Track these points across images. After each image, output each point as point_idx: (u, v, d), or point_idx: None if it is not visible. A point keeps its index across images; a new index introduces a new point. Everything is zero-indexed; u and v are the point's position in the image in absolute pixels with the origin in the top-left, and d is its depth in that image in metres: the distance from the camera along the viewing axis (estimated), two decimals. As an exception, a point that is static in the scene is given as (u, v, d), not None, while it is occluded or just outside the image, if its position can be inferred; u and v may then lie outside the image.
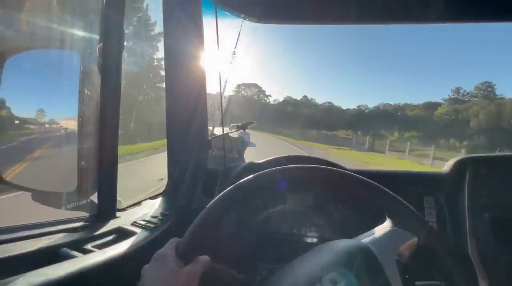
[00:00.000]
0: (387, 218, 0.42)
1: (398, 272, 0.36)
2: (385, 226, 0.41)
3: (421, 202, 0.72)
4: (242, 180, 0.41)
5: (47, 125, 0.74)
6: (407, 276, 0.39)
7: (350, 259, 0.36)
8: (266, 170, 0.42)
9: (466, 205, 0.67)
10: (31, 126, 0.74)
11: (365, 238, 0.40)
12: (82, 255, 0.45)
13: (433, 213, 0.71)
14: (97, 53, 0.73)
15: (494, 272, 0.62)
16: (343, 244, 0.40)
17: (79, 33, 0.74)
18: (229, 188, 0.40)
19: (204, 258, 0.40)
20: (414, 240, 0.38)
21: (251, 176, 0.42)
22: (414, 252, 0.39)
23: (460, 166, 0.72)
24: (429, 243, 0.38)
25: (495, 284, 0.61)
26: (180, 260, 0.37)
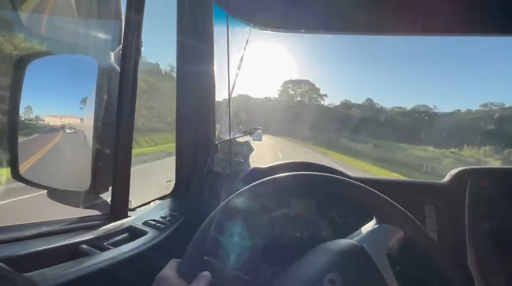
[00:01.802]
0: (373, 215, 0.44)
1: (390, 265, 0.38)
2: (372, 224, 0.44)
3: (422, 211, 0.74)
4: (234, 195, 0.45)
5: (62, 125, 0.77)
6: (397, 268, 0.41)
7: (346, 258, 0.39)
8: (257, 182, 0.45)
9: (466, 215, 0.69)
10: (44, 124, 0.77)
11: (357, 237, 0.43)
12: (100, 252, 0.48)
13: (434, 222, 0.72)
14: (113, 58, 0.77)
15: (492, 282, 0.64)
16: (337, 244, 0.42)
17: (97, 38, 0.78)
18: (220, 206, 0.45)
19: (206, 274, 0.41)
20: (401, 233, 0.41)
21: (242, 190, 0.45)
22: (402, 244, 0.41)
23: (461, 177, 0.74)
24: (414, 234, 0.41)
25: None
26: (182, 280, 0.39)
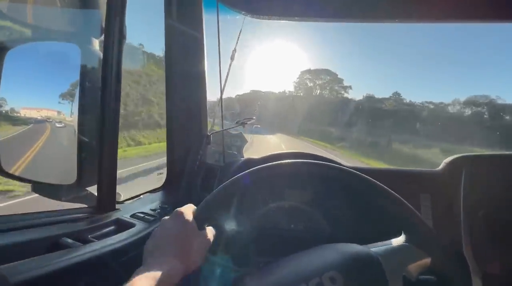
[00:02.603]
0: (403, 232, 0.40)
1: None
2: (400, 240, 0.40)
3: (418, 199, 0.73)
4: (258, 167, 0.43)
5: (44, 117, 0.75)
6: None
7: (355, 263, 0.36)
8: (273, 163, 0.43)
9: (462, 202, 0.68)
10: (26, 117, 0.74)
11: (377, 248, 0.39)
12: (82, 244, 0.45)
13: (429, 211, 0.71)
14: (98, 46, 0.74)
15: (488, 270, 0.63)
16: (351, 248, 0.39)
17: (79, 25, 0.74)
18: (242, 173, 0.43)
19: (212, 229, 0.43)
20: (427, 260, 0.37)
21: (269, 164, 0.43)
22: (423, 272, 0.38)
23: (456, 164, 0.73)
24: (442, 267, 0.38)
25: (489, 281, 0.62)
26: (195, 223, 0.40)
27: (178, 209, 0.41)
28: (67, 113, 0.70)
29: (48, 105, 0.72)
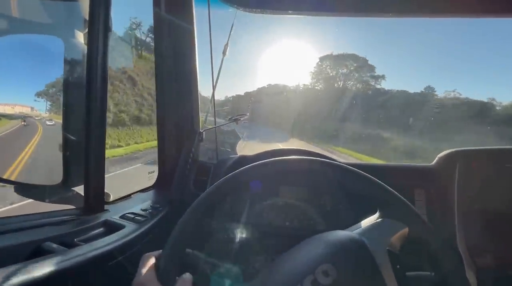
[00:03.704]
0: (378, 209, 0.41)
1: (390, 263, 0.36)
2: (375, 217, 0.41)
3: (413, 194, 0.73)
4: (213, 185, 0.42)
5: (28, 116, 0.71)
6: (398, 266, 0.39)
7: (343, 251, 0.36)
8: (238, 170, 0.42)
9: (456, 197, 0.68)
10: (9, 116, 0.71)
11: (356, 230, 0.40)
12: (67, 249, 0.43)
13: (424, 205, 0.71)
14: (83, 39, 0.70)
15: (481, 263, 0.64)
16: (335, 235, 0.39)
17: (62, 17, 0.70)
18: (200, 196, 0.41)
19: (187, 278, 0.37)
20: (405, 230, 0.38)
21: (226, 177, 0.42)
22: (405, 242, 0.39)
23: (450, 159, 0.73)
24: (420, 234, 0.38)
25: (482, 275, 0.62)
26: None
27: (136, 279, 0.35)
28: (43, 110, 0.67)
29: (26, 101, 0.68)
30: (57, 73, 0.67)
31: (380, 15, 0.97)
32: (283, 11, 0.99)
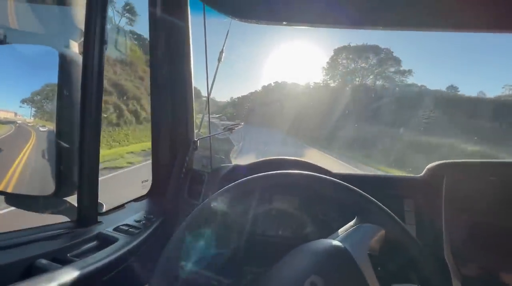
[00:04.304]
0: (356, 215, 0.43)
1: (371, 266, 0.38)
2: (353, 223, 0.43)
3: (402, 205, 0.75)
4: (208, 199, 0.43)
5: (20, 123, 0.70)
6: (379, 268, 0.41)
7: (328, 260, 0.38)
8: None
9: (443, 208, 0.70)
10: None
11: (339, 237, 0.42)
12: (61, 266, 0.43)
13: (413, 216, 0.73)
14: (78, 50, 0.70)
15: (467, 272, 0.66)
16: (319, 244, 0.41)
17: (57, 27, 0.70)
18: (191, 213, 0.43)
19: None
20: (382, 232, 0.40)
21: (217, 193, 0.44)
22: (383, 244, 0.41)
23: (438, 170, 0.75)
24: (396, 235, 0.41)
25: (468, 284, 0.65)
26: None
27: None
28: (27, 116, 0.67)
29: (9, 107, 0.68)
30: (46, 81, 0.67)
31: (373, 28, 0.99)
32: (277, 22, 1.00)
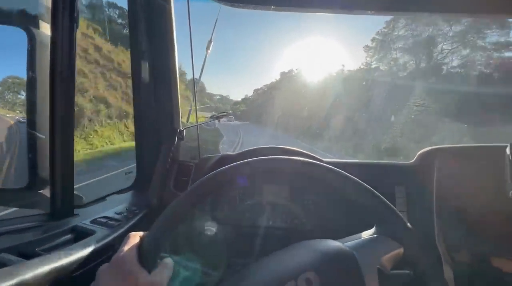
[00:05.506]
0: (375, 224, 0.40)
1: (378, 281, 0.34)
2: (371, 232, 0.40)
3: (393, 191, 0.74)
4: (205, 177, 0.39)
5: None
6: None
7: (330, 261, 0.35)
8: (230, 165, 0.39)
9: (434, 194, 0.69)
10: None
11: (349, 242, 0.38)
12: (24, 260, 0.39)
13: (405, 202, 0.72)
14: (49, 31, 0.65)
15: (458, 258, 0.65)
16: (325, 244, 0.38)
17: (26, 6, 0.64)
18: (190, 188, 0.38)
19: (168, 262, 0.37)
20: (400, 250, 0.37)
21: (215, 171, 0.39)
22: (397, 262, 0.37)
23: (429, 156, 0.74)
24: (415, 257, 0.37)
25: (460, 269, 0.64)
26: (143, 267, 0.33)
27: (117, 255, 0.34)
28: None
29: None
30: (19, 66, 0.62)
31: (368, 13, 0.96)
32: (265, 6, 0.96)
